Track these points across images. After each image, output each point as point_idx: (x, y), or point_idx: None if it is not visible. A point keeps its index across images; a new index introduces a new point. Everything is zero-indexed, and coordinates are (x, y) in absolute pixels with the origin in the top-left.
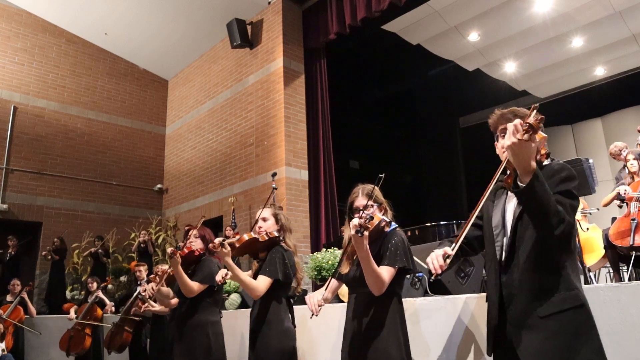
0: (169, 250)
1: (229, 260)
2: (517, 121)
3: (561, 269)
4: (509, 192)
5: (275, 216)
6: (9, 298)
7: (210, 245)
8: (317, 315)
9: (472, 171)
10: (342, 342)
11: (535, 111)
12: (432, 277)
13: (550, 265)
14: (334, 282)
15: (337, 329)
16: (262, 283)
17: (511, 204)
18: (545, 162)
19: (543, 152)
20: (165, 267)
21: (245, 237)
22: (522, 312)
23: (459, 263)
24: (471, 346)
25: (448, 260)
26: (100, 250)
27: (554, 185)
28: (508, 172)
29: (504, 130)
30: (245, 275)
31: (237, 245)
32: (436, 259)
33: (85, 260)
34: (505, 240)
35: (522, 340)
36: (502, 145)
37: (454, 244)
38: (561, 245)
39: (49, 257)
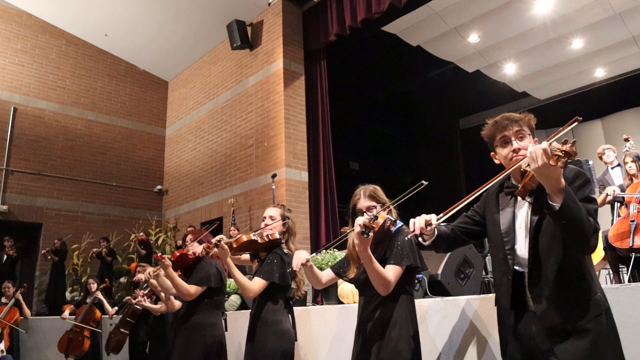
0: (154, 255)
1: (228, 260)
2: (545, 144)
3: (587, 273)
4: (518, 199)
5: (283, 218)
6: (3, 300)
7: (205, 245)
8: (294, 270)
9: (472, 172)
10: (353, 343)
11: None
12: (409, 236)
13: (579, 273)
14: (329, 273)
15: (337, 329)
16: (256, 284)
17: (522, 210)
18: None
19: None
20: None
21: (244, 238)
22: (560, 322)
23: (459, 264)
24: (470, 348)
25: (429, 228)
26: (105, 250)
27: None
28: (522, 182)
29: (504, 138)
30: (242, 276)
31: (235, 245)
32: (418, 220)
33: (85, 262)
34: (516, 247)
35: (563, 349)
36: (506, 154)
37: (441, 215)
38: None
39: (49, 257)
